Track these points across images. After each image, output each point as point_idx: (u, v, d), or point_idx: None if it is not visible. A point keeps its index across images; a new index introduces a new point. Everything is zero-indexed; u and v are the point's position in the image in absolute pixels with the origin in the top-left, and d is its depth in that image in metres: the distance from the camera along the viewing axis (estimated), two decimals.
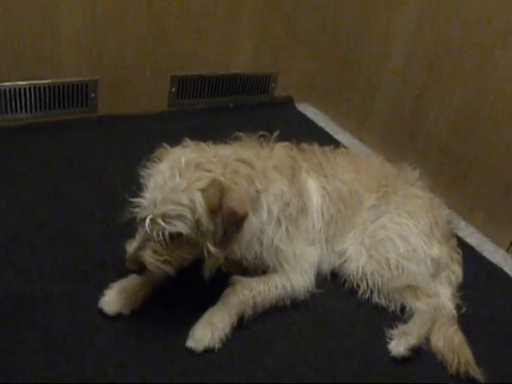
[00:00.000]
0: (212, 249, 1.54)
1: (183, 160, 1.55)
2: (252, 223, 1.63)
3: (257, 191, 1.65)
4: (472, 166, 2.51)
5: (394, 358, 1.74)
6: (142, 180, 1.61)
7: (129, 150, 2.59)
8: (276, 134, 1.92)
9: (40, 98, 2.65)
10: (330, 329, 1.83)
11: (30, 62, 2.54)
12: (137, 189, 1.60)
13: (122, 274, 1.77)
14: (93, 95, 2.78)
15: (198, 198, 1.49)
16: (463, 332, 1.83)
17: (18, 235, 1.95)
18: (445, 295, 1.95)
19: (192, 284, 1.74)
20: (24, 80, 2.57)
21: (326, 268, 1.99)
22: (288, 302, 1.82)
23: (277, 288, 1.78)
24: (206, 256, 1.57)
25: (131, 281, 1.74)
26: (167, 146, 1.66)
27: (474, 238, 2.47)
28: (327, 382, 1.63)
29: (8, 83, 2.54)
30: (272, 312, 1.80)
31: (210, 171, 1.55)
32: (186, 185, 1.50)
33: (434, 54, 2.62)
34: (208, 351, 1.62)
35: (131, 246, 1.58)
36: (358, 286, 1.94)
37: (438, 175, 2.62)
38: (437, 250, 1.98)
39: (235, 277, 1.76)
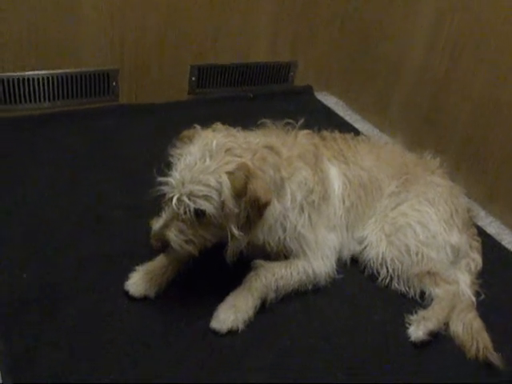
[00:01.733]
0: (235, 231, 1.58)
1: (214, 143, 1.59)
2: (276, 209, 1.66)
3: (282, 178, 1.68)
4: (493, 154, 2.50)
5: (412, 343, 1.76)
6: (171, 159, 1.65)
7: (151, 137, 2.63)
8: (301, 121, 1.94)
9: (63, 87, 2.70)
10: (350, 313, 1.85)
11: (52, 51, 2.59)
12: (165, 168, 1.64)
13: (146, 257, 1.81)
14: (114, 84, 2.82)
15: (225, 180, 1.53)
16: (482, 318, 1.84)
17: (43, 222, 1.99)
18: (464, 282, 1.97)
19: (216, 267, 1.78)
20: (47, 69, 2.62)
21: (346, 254, 2.01)
22: (309, 287, 1.86)
23: (298, 273, 1.82)
24: (229, 238, 1.60)
25: (156, 264, 1.78)
26: (199, 128, 1.69)
27: (494, 227, 2.46)
28: (347, 364, 1.66)
29: (31, 72, 2.59)
30: (294, 296, 1.83)
31: (239, 156, 1.58)
32: (215, 167, 1.55)
33: (456, 42, 2.61)
34: (231, 333, 1.66)
35: (157, 224, 1.63)
36: (378, 272, 1.96)
37: (459, 164, 2.62)
38: (456, 238, 2.00)
39: (258, 261, 1.79)
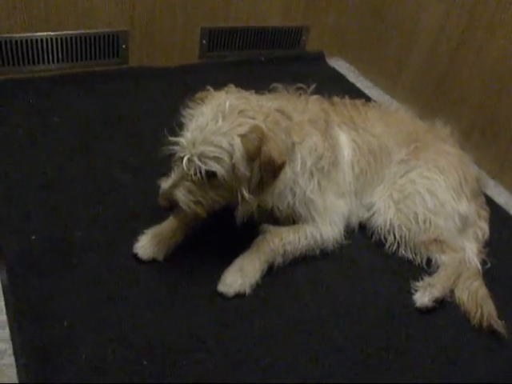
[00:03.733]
0: (246, 194, 1.58)
1: (227, 104, 1.57)
2: (286, 174, 1.66)
3: (293, 143, 1.68)
4: (504, 124, 2.48)
5: (418, 309, 1.79)
6: (183, 120, 1.64)
7: (160, 101, 2.62)
8: (312, 87, 1.93)
9: (72, 48, 2.68)
10: (357, 279, 1.87)
11: (61, 12, 2.56)
12: (176, 128, 1.64)
13: (155, 220, 1.82)
14: (124, 46, 2.79)
15: (238, 143, 1.53)
16: (487, 287, 1.85)
17: (53, 185, 2.00)
18: (471, 250, 1.98)
19: (223, 231, 1.80)
20: (55, 30, 2.59)
21: (355, 220, 2.02)
22: (317, 252, 1.87)
23: (306, 238, 1.83)
24: (240, 201, 1.60)
25: (164, 227, 1.79)
26: (211, 90, 1.68)
27: (503, 197, 2.46)
28: (353, 330, 1.69)
29: (39, 33, 2.56)
30: (301, 261, 1.84)
31: (252, 118, 1.57)
32: (227, 129, 1.54)
33: (472, 7, 2.55)
34: (238, 296, 1.68)
35: (166, 183, 1.61)
36: (386, 239, 1.98)
37: (470, 133, 2.60)
38: (465, 206, 2.00)
39: (266, 225, 1.81)
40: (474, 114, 2.62)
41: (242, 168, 1.54)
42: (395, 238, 1.96)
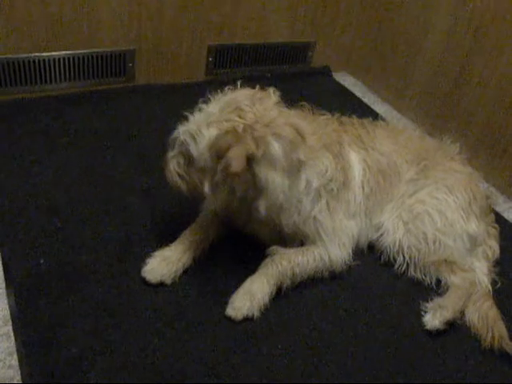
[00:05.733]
0: (205, 188, 1.64)
1: (227, 98, 1.63)
2: (282, 186, 1.62)
3: (299, 160, 1.65)
4: None
5: (428, 331, 1.77)
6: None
7: (168, 118, 2.60)
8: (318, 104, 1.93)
9: (79, 68, 2.69)
10: (365, 300, 1.85)
11: (68, 32, 2.57)
12: None
13: (162, 242, 1.82)
14: (130, 65, 2.81)
15: (210, 134, 1.57)
16: (498, 307, 1.83)
17: (60, 207, 2.00)
18: (480, 270, 1.96)
19: (231, 254, 1.80)
20: (63, 50, 2.60)
21: (364, 241, 2.00)
22: (325, 274, 1.86)
23: (315, 260, 1.82)
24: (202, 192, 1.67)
25: (172, 250, 1.79)
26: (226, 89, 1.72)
27: None
28: (362, 352, 1.67)
29: (47, 53, 2.58)
30: (309, 283, 1.83)
31: (243, 119, 1.57)
32: (214, 119, 1.58)
33: (479, 21, 2.54)
34: (247, 320, 1.67)
35: (168, 154, 1.71)
36: (395, 260, 1.96)
37: (478, 149, 2.59)
38: (474, 226, 1.97)
39: (274, 247, 1.80)
40: (482, 130, 2.60)
41: (203, 159, 1.60)
42: (404, 258, 1.94)
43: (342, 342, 1.69)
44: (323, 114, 1.99)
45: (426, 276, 1.94)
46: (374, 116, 2.88)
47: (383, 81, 3.18)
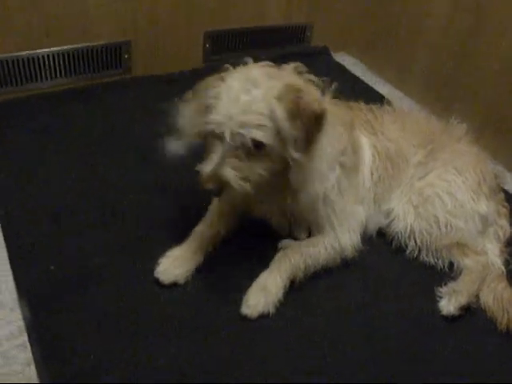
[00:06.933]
0: (295, 154, 1.51)
1: (255, 72, 1.55)
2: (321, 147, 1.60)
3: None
4: None
5: (443, 317, 1.76)
6: (205, 102, 1.57)
7: (168, 109, 2.57)
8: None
9: (74, 62, 2.63)
10: (379, 288, 1.84)
11: (62, 26, 2.51)
12: None
13: (171, 238, 1.80)
14: (126, 56, 2.75)
15: (277, 105, 1.47)
16: None
17: (64, 210, 1.96)
18: (492, 252, 1.95)
19: (242, 249, 1.78)
20: (56, 46, 2.54)
21: (372, 228, 1.99)
22: (337, 262, 1.84)
23: (326, 249, 1.80)
24: (291, 163, 1.55)
25: (184, 249, 1.77)
26: (230, 67, 1.63)
27: None
28: (376, 340, 1.67)
29: (41, 50, 2.52)
30: (322, 273, 1.82)
31: (281, 79, 1.53)
32: (262, 94, 1.48)
33: None
34: (262, 317, 1.66)
35: (209, 164, 1.52)
36: (406, 245, 1.94)
37: (485, 127, 2.53)
38: (485, 206, 1.96)
39: (285, 241, 1.79)
40: (488, 108, 2.56)
41: (287, 129, 1.48)
42: (416, 243, 1.92)
43: (355, 332, 1.68)
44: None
45: (438, 260, 1.92)
46: (376, 96, 2.84)
47: (384, 61, 3.12)
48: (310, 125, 1.51)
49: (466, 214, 1.93)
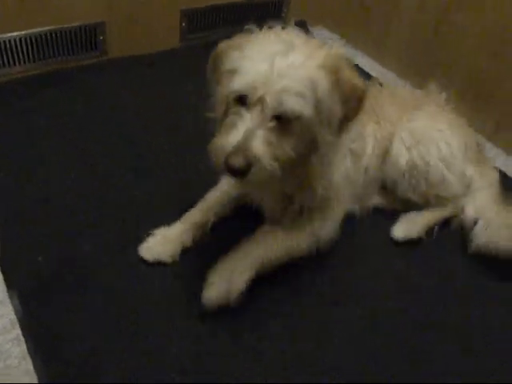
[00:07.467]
0: (328, 136, 1.37)
1: (289, 37, 1.37)
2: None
3: None
4: (500, 84, 2.42)
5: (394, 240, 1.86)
6: (229, 66, 1.38)
7: (146, 90, 2.55)
8: None
9: (47, 46, 2.55)
10: (361, 259, 1.85)
11: (32, 9, 2.42)
12: None
13: (163, 222, 1.77)
14: (101, 38, 2.67)
15: (319, 74, 1.31)
16: None
17: (51, 197, 1.92)
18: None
19: (232, 236, 1.72)
20: (28, 29, 2.46)
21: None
22: (314, 252, 1.71)
23: (305, 241, 1.68)
24: (320, 145, 1.40)
25: (171, 229, 1.74)
26: (253, 29, 1.47)
27: (499, 160, 2.41)
28: (371, 309, 1.68)
29: (11, 34, 2.43)
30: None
31: (321, 48, 1.37)
32: (302, 60, 1.30)
33: None
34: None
35: (235, 136, 1.27)
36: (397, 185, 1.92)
37: (464, 95, 2.53)
38: (471, 170, 1.97)
39: (266, 226, 1.70)
40: (467, 76, 2.56)
41: (328, 103, 1.31)
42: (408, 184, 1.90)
43: (349, 306, 1.68)
44: None
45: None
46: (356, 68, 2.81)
47: (361, 33, 3.09)
48: (350, 102, 1.37)
49: (457, 166, 1.92)
